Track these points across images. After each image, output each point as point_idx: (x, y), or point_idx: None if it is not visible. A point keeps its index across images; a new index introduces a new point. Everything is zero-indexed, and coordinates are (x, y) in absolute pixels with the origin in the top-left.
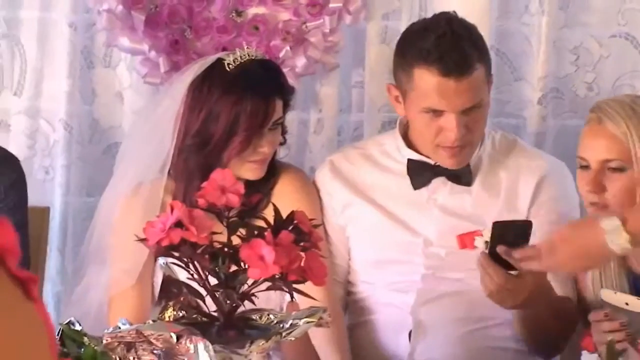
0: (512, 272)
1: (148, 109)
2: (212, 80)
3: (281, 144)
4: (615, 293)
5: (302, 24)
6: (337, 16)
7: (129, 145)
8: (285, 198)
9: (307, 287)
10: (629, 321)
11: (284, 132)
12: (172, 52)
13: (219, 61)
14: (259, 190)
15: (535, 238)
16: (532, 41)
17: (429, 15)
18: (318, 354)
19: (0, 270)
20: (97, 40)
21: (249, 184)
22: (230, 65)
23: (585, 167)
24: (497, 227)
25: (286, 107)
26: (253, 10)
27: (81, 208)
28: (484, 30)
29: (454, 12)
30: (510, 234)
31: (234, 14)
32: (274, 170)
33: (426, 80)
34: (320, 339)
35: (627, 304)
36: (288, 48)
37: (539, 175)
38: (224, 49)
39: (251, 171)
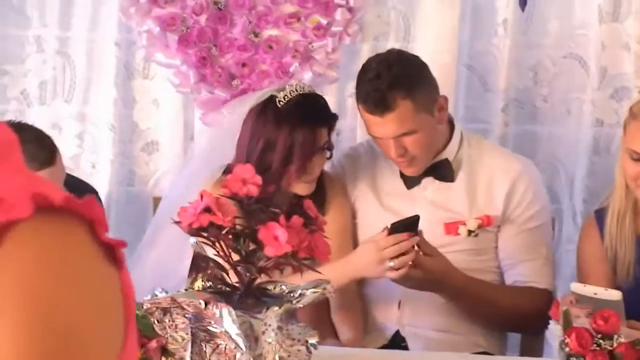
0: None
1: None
2: (267, 115)
3: (327, 158)
4: (585, 286)
5: (309, 44)
6: (338, 38)
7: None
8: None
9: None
10: (593, 308)
11: (330, 149)
12: (200, 66)
13: (271, 97)
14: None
15: (514, 233)
16: (498, 59)
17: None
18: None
19: (90, 237)
20: (138, 56)
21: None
22: (281, 102)
23: (638, 160)
24: (394, 227)
25: (330, 131)
26: (268, 32)
27: (122, 196)
28: (455, 50)
29: (397, 51)
30: (403, 228)
31: (252, 35)
32: (322, 181)
33: (362, 114)
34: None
35: (595, 293)
36: (297, 64)
37: (513, 175)
38: (244, 64)
39: (304, 189)
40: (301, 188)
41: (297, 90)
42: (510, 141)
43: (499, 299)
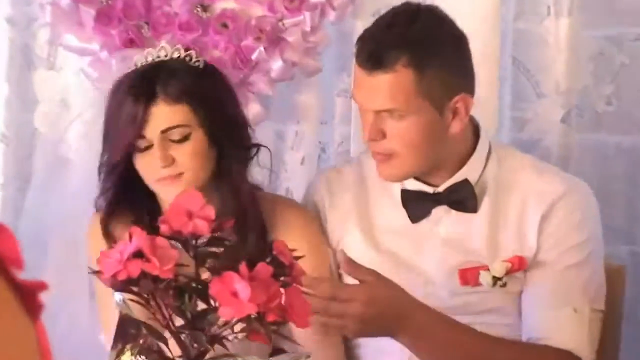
0: None
1: None
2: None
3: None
4: None
5: (279, 21)
6: (320, 12)
7: None
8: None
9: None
10: None
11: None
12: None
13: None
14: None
15: (541, 272)
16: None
17: None
18: None
19: (0, 278)
20: (40, 38)
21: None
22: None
23: None
24: None
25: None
26: (221, 5)
27: (17, 232)
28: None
29: (433, 7)
30: None
31: (198, 9)
32: (250, 201)
33: (354, 70)
34: None
35: None
36: (262, 49)
37: (550, 200)
38: (186, 49)
39: (163, 192)
40: (159, 190)
41: (159, 56)
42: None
43: (496, 356)
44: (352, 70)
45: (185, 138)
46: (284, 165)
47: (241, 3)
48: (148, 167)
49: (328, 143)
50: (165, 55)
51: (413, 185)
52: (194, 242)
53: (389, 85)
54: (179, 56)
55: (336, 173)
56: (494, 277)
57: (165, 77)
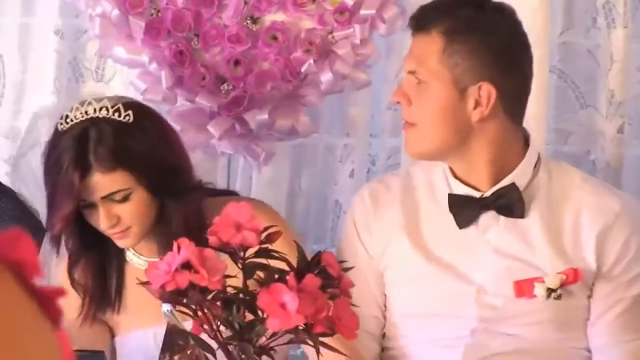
0: None
1: None
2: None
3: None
4: None
5: (329, 34)
6: (370, 25)
7: None
8: None
9: (334, 341)
10: None
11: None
12: (176, 64)
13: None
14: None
15: (612, 299)
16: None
17: None
18: None
19: (18, 286)
20: (89, 50)
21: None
22: (62, 125)
23: None
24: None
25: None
26: (271, 17)
27: None
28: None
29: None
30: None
31: (248, 21)
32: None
33: None
34: None
35: None
36: (311, 61)
37: (609, 216)
38: (236, 62)
39: (116, 242)
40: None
41: (83, 115)
42: (619, 171)
43: None
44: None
45: (126, 198)
46: (334, 177)
47: (291, 16)
48: (95, 222)
49: (377, 156)
50: (94, 111)
51: (460, 189)
52: (242, 253)
53: (420, 46)
54: (107, 113)
55: (382, 184)
56: (548, 288)
57: (96, 144)
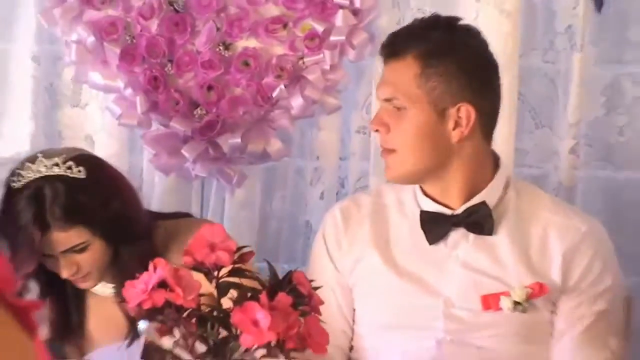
0: None
1: None
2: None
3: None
4: None
5: (299, 60)
6: (339, 51)
7: None
8: None
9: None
10: None
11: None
12: (150, 89)
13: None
14: None
15: (573, 317)
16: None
17: None
18: None
19: None
20: (65, 76)
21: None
22: (14, 184)
23: None
24: None
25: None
26: (243, 43)
27: None
28: (514, 69)
29: (463, 25)
30: None
31: (221, 47)
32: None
33: None
34: None
35: None
36: (282, 86)
37: (575, 236)
38: (209, 87)
39: (80, 285)
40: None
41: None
42: (574, 191)
43: None
44: (370, 108)
45: (84, 249)
46: (304, 199)
47: (263, 42)
48: (56, 270)
49: (347, 178)
50: (46, 168)
51: (431, 206)
52: (216, 272)
53: (395, 73)
54: (59, 170)
55: (353, 202)
56: (514, 301)
57: (52, 204)
